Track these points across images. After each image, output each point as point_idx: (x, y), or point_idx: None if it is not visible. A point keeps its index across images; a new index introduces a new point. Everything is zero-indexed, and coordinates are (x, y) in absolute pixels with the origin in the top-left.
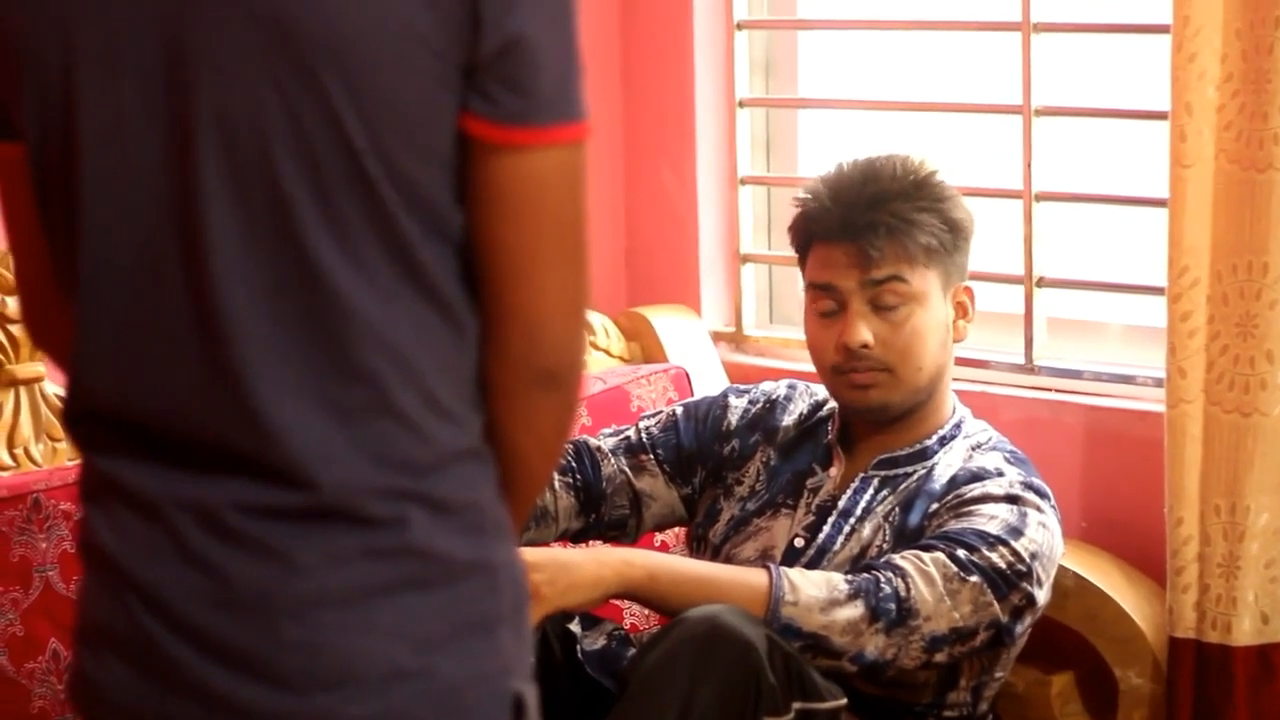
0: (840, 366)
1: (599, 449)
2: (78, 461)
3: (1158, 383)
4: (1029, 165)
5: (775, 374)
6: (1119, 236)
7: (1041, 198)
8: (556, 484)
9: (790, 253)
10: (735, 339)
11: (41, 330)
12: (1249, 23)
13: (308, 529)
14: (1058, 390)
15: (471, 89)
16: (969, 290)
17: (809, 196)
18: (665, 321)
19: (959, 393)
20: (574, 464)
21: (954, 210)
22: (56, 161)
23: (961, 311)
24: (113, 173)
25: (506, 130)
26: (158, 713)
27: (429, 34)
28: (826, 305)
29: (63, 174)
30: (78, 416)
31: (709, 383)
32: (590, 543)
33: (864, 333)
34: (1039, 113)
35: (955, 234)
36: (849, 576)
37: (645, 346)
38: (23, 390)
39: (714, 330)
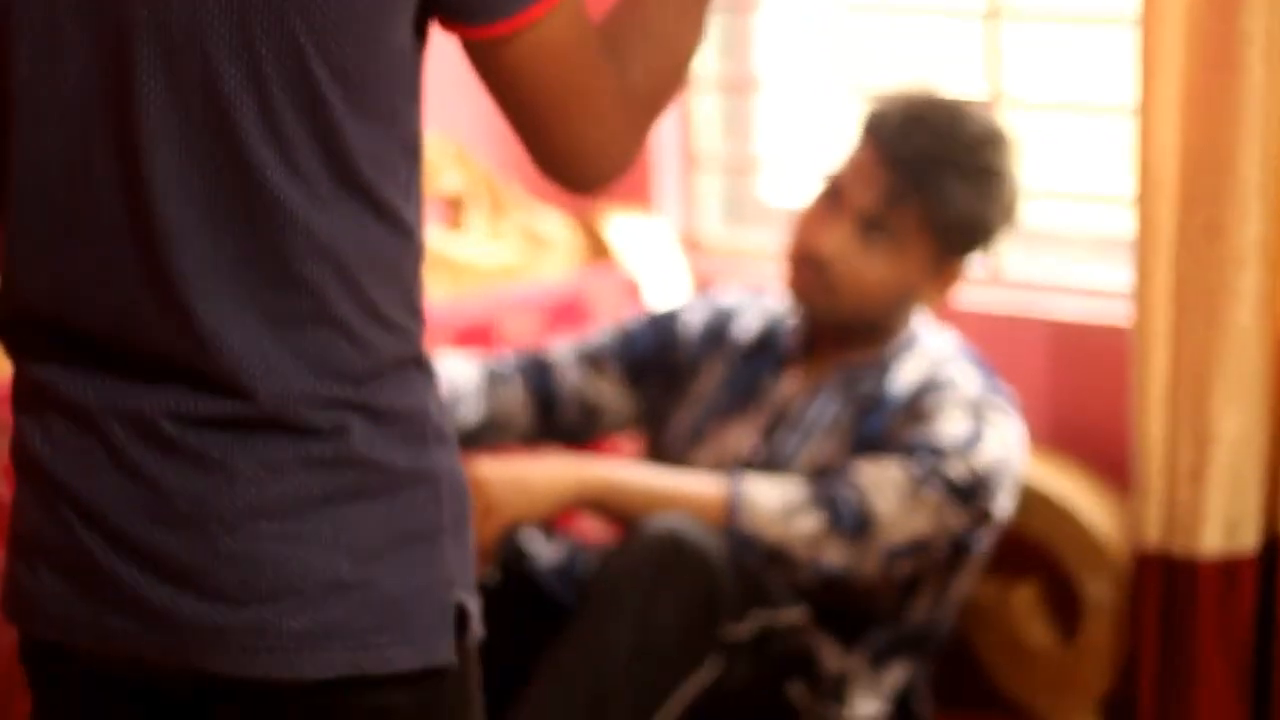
0: (796, 258)
1: (557, 356)
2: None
3: (1125, 294)
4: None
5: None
6: (1086, 146)
7: (1012, 103)
8: (514, 390)
9: (743, 158)
10: (690, 244)
11: None
12: None
13: (246, 439)
14: (1024, 295)
15: None
16: (960, 275)
17: (885, 107)
18: (623, 224)
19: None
20: (532, 371)
21: (993, 208)
22: None
23: (942, 286)
24: (45, 74)
25: (483, 29)
26: (93, 626)
27: None
28: (827, 201)
29: None
30: (11, 321)
31: (668, 286)
32: (546, 449)
33: (833, 245)
34: (1003, 16)
35: (979, 231)
36: (807, 486)
37: (602, 248)
38: None
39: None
